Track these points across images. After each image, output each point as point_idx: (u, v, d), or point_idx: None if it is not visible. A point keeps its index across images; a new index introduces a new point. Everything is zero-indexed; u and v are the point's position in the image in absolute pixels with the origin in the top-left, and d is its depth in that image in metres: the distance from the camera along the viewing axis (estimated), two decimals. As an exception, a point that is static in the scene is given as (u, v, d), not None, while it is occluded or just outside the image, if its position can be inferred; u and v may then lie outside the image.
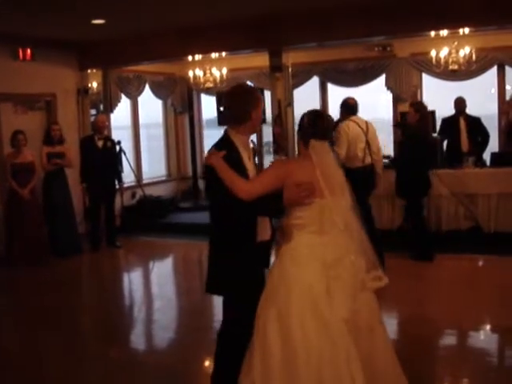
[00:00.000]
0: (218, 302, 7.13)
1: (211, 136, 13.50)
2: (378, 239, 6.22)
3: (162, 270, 9.25)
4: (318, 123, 3.64)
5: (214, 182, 3.57)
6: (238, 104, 3.71)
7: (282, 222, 3.64)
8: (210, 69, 11.34)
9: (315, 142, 3.59)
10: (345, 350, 3.31)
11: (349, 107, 7.64)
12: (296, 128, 3.88)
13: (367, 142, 7.47)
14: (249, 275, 3.65)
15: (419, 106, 8.15)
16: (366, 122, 7.59)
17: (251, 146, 3.85)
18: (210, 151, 3.67)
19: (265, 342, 3.41)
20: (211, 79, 11.35)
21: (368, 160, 7.48)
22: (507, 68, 10.55)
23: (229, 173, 3.50)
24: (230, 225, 3.62)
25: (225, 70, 11.37)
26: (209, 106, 12.91)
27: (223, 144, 3.69)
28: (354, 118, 7.50)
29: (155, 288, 8.22)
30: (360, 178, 6.79)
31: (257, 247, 3.70)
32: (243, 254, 3.63)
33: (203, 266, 9.43)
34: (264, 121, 11.45)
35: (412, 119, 8.02)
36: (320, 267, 3.45)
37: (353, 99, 7.61)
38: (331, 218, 3.52)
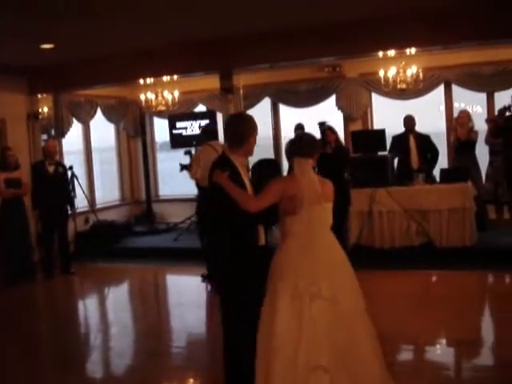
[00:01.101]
0: (175, 326, 7.10)
1: (165, 159, 13.51)
2: None
3: (118, 296, 9.12)
4: (297, 143, 4.33)
5: (220, 197, 4.15)
6: (238, 130, 4.33)
7: (279, 228, 4.31)
8: (162, 92, 11.32)
9: (298, 159, 4.22)
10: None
11: (207, 133, 9.12)
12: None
13: None
14: (250, 273, 4.19)
15: (334, 129, 9.35)
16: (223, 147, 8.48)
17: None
18: (212, 171, 4.27)
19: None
20: (163, 102, 11.31)
21: None
22: (454, 86, 10.82)
23: (237, 190, 4.12)
24: (234, 232, 4.21)
25: (177, 93, 11.36)
26: (162, 129, 12.89)
27: (224, 164, 4.27)
28: (211, 142, 8.32)
29: (111, 314, 8.09)
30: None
31: (256, 250, 4.31)
32: (246, 256, 4.22)
33: (159, 290, 9.36)
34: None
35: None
36: (304, 266, 4.05)
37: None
38: (319, 223, 4.18)
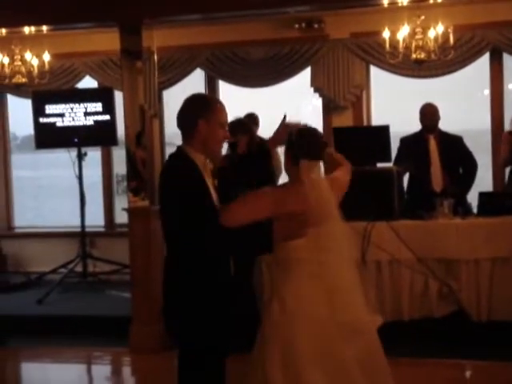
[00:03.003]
0: None
1: (26, 166, 13.19)
2: None
3: None
4: (309, 140, 4.90)
5: (174, 208, 4.58)
6: (183, 110, 4.85)
7: (275, 257, 4.96)
8: (22, 53, 11.25)
9: (307, 163, 4.83)
10: None
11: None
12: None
13: None
14: (216, 323, 4.70)
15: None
16: None
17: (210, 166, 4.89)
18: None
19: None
20: (23, 70, 11.28)
21: None
22: (506, 56, 10.91)
23: None
24: (195, 262, 4.63)
25: (47, 57, 11.36)
26: (21, 116, 12.81)
27: (179, 162, 4.74)
28: None
29: None
30: None
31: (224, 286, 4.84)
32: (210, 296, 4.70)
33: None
34: (114, 141, 11.32)
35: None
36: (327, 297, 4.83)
37: None
38: (327, 246, 4.87)
